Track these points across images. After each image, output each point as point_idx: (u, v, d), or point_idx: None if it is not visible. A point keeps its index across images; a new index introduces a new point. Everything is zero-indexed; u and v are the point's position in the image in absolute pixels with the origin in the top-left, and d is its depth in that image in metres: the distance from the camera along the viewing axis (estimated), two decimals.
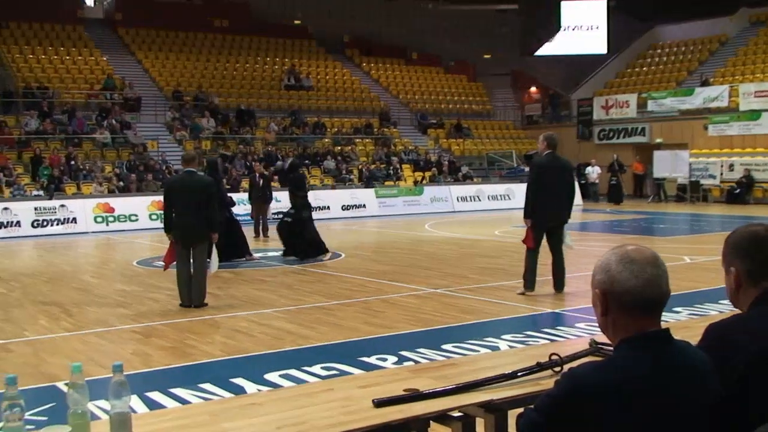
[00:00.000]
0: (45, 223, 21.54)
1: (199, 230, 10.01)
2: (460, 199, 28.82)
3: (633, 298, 2.17)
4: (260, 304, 10.17)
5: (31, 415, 5.26)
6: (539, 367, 3.09)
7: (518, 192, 29.59)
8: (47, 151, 25.80)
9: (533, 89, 43.05)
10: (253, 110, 32.43)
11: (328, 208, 25.94)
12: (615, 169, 31.72)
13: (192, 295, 10.05)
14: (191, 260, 10.10)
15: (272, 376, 6.58)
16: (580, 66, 40.51)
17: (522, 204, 10.71)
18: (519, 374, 3.05)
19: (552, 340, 7.61)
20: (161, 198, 23.19)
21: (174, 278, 10.26)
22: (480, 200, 28.92)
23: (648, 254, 2.21)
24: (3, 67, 30.73)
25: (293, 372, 6.69)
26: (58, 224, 21.60)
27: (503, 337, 7.97)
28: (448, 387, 2.95)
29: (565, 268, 10.49)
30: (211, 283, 12.08)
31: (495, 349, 7.40)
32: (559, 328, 8.38)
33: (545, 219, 10.33)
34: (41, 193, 23.28)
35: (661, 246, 15.34)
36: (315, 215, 25.37)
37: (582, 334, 7.82)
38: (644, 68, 39.68)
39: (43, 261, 16.33)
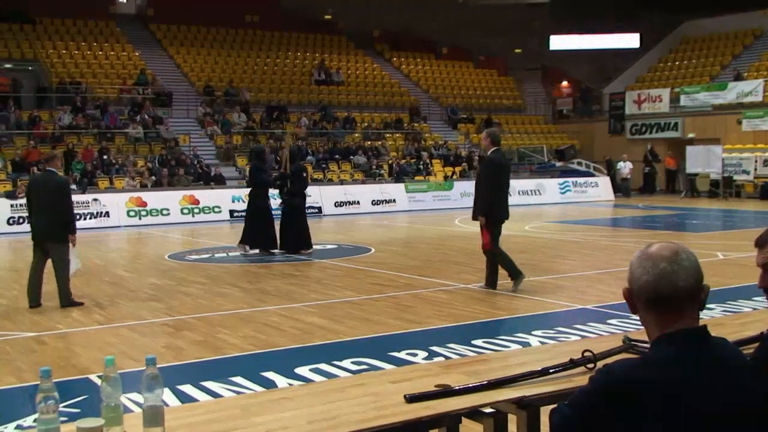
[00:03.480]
0: (78, 217, 21.61)
1: (51, 231, 9.73)
2: None
3: (646, 295, 2.17)
4: (290, 299, 10.19)
5: (64, 407, 5.31)
6: (572, 363, 3.06)
7: (549, 187, 29.42)
8: (80, 145, 26.03)
9: (564, 84, 42.78)
10: (283, 105, 32.53)
11: (358, 202, 25.98)
12: (649, 159, 31.43)
13: (59, 295, 9.90)
14: (51, 261, 9.84)
15: (303, 371, 6.59)
16: (612, 60, 40.18)
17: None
18: (551, 371, 3.03)
19: (583, 337, 7.56)
20: (193, 192, 23.62)
21: (204, 272, 10.31)
22: (510, 195, 28.56)
23: (666, 251, 2.17)
24: (37, 63, 31.08)
25: (324, 366, 6.70)
26: (91, 218, 21.78)
27: (534, 333, 7.94)
28: (479, 383, 2.93)
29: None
30: (242, 278, 12.16)
31: (526, 345, 7.35)
32: (590, 324, 8.30)
33: (501, 215, 10.53)
34: (74, 187, 23.48)
35: (693, 242, 15.17)
36: (346, 210, 25.84)
37: (614, 330, 7.76)
38: (677, 62, 39.22)
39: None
